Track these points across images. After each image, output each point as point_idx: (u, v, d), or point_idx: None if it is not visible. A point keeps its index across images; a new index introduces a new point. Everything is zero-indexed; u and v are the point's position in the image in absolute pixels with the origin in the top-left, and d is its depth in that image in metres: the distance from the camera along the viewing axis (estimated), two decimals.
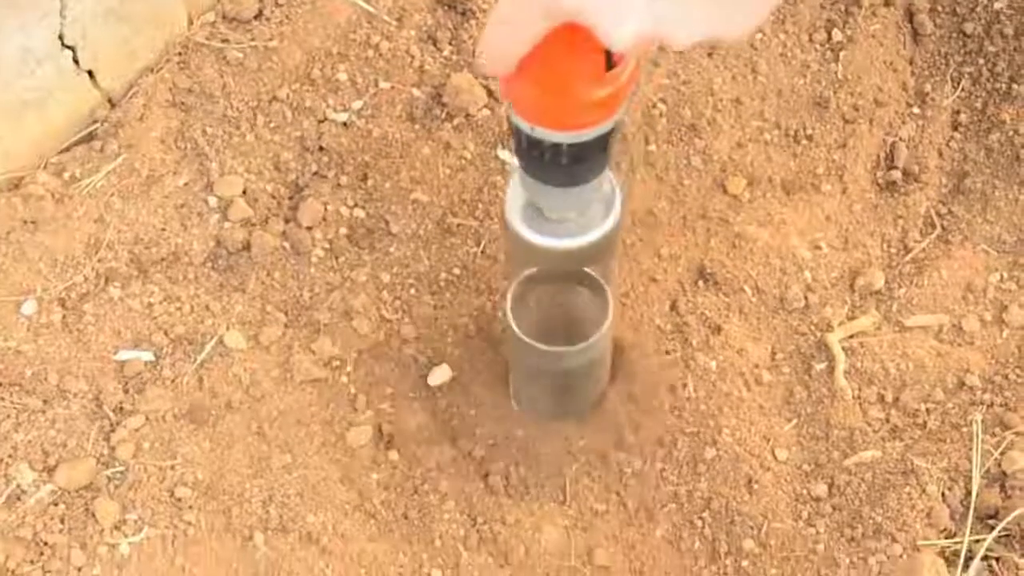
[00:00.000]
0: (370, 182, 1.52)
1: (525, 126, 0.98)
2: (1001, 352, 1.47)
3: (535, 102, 0.96)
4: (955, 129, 1.64)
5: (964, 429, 1.40)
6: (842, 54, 1.63)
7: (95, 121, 1.53)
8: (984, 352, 1.48)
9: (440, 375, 1.45)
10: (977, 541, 1.32)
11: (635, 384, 1.45)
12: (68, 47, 1.46)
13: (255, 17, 1.59)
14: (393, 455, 1.41)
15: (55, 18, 1.42)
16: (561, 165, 1.02)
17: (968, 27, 1.65)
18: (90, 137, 1.53)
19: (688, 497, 1.39)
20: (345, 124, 1.54)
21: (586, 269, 1.26)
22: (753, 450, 1.40)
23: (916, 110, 1.65)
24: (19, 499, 1.28)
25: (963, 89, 1.64)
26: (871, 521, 1.34)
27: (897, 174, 1.61)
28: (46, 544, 1.26)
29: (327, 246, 1.49)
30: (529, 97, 0.95)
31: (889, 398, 1.45)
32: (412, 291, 1.48)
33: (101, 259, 1.44)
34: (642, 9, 0.81)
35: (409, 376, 1.45)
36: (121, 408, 1.36)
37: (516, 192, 1.14)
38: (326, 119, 1.55)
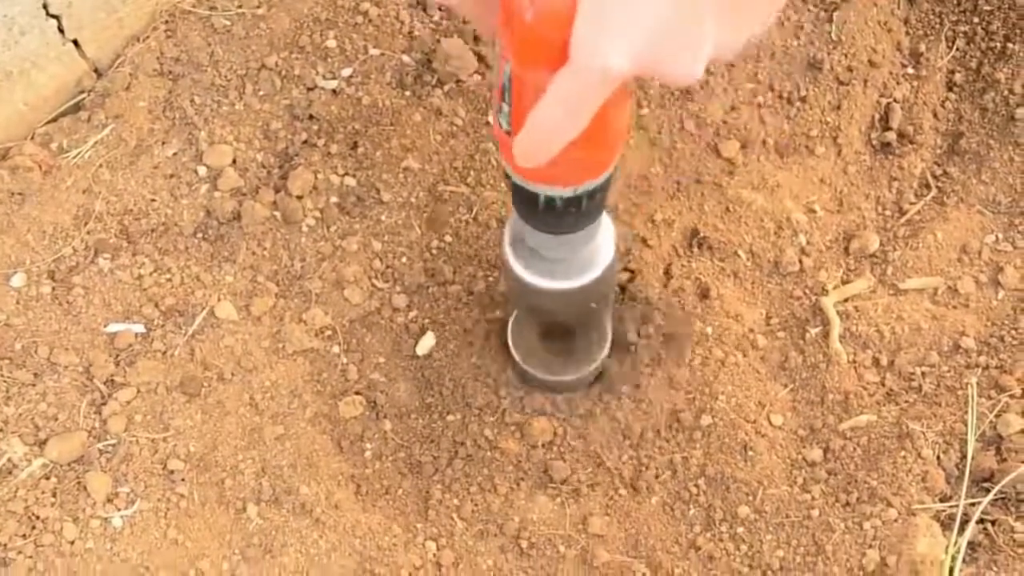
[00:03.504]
0: (360, 150, 1.51)
1: (565, 191, 0.97)
2: (996, 314, 1.47)
3: (581, 166, 0.94)
4: (950, 89, 1.62)
5: (959, 392, 1.40)
6: (836, 15, 1.61)
7: (81, 91, 1.52)
8: (979, 314, 1.47)
9: (427, 343, 1.44)
10: (973, 504, 1.32)
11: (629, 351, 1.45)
12: (53, 16, 1.45)
13: None
14: (386, 425, 1.41)
15: None
16: (579, 210, 1.01)
17: None
18: (77, 107, 1.52)
19: (683, 464, 1.38)
20: (335, 92, 1.53)
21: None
22: (748, 416, 1.40)
23: (911, 70, 1.63)
24: (10, 473, 1.28)
25: (958, 49, 1.63)
26: (866, 486, 1.34)
27: (892, 135, 1.59)
28: (38, 518, 1.26)
29: (318, 215, 1.48)
30: (575, 164, 0.93)
31: (884, 362, 1.44)
32: (404, 259, 1.47)
33: (90, 231, 1.43)
34: (710, 28, 0.79)
35: (401, 345, 1.44)
36: (112, 381, 1.35)
37: (513, 232, 1.14)
38: (315, 87, 1.54)
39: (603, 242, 1.15)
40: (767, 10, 0.87)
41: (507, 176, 1.01)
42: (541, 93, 0.81)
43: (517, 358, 1.41)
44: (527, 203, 1.01)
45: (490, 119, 1.53)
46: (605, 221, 1.13)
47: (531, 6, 0.78)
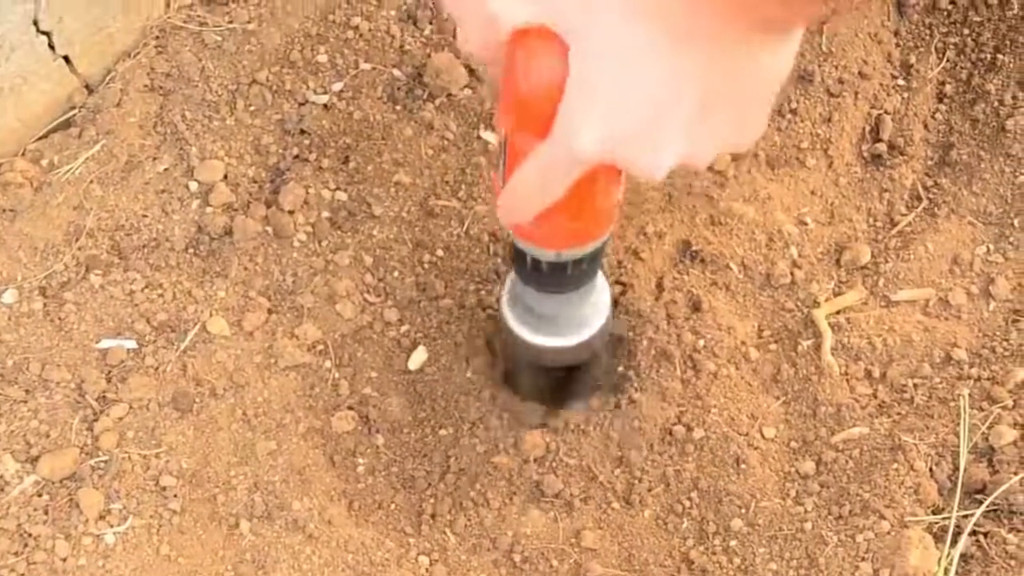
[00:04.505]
0: (352, 164, 1.51)
1: (549, 254, 1.01)
2: (988, 325, 1.47)
3: (564, 233, 0.98)
4: (940, 101, 1.63)
5: (951, 404, 1.40)
6: (826, 26, 1.62)
7: (72, 107, 1.52)
8: (971, 326, 1.47)
9: (418, 358, 1.44)
10: (965, 516, 1.32)
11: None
12: (43, 32, 1.45)
13: None
14: (378, 440, 1.41)
15: (29, 3, 1.40)
16: (570, 275, 1.06)
17: None
18: (68, 124, 1.52)
19: (676, 477, 1.38)
20: (326, 106, 1.53)
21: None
22: (741, 429, 1.40)
23: (901, 82, 1.64)
24: (2, 490, 1.28)
25: (948, 60, 1.63)
26: (859, 498, 1.34)
27: (883, 147, 1.60)
28: (30, 535, 1.25)
29: (309, 230, 1.48)
30: (557, 230, 0.96)
31: (876, 374, 1.44)
32: (395, 274, 1.48)
33: (81, 247, 1.43)
34: (678, 138, 0.83)
35: (393, 360, 1.44)
36: (104, 397, 1.35)
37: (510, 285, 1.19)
38: (307, 101, 1.54)
39: (595, 306, 1.18)
40: (744, 132, 0.90)
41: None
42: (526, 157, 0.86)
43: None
44: (517, 259, 1.06)
45: (482, 134, 1.54)
46: (600, 286, 1.17)
47: (526, 76, 0.82)
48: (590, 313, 1.22)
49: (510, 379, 1.44)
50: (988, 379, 1.41)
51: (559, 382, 1.39)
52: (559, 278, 1.07)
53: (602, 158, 0.83)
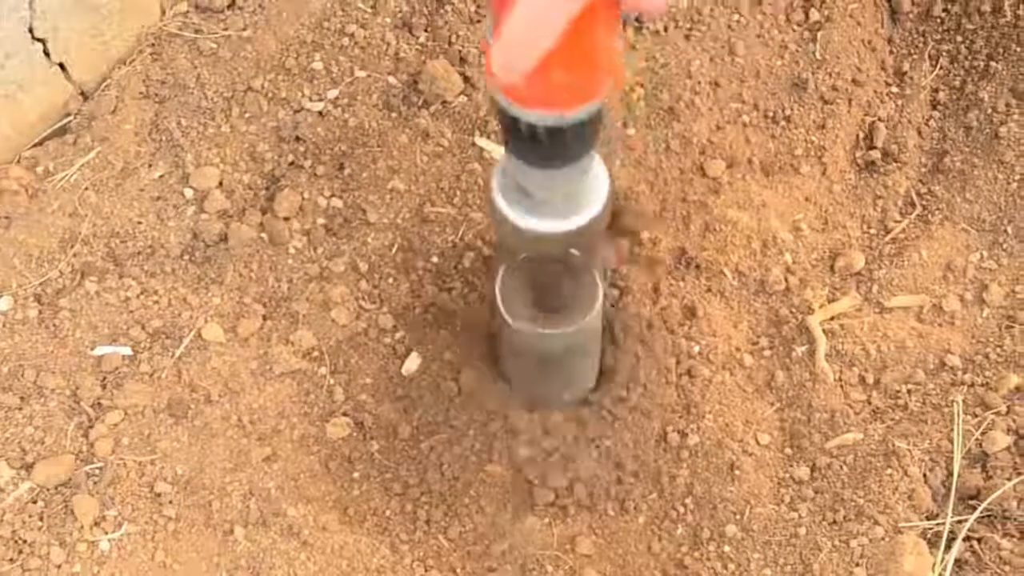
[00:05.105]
0: (347, 171, 1.51)
1: (548, 118, 0.95)
2: (981, 332, 1.47)
3: (560, 90, 0.92)
4: (934, 108, 1.63)
5: (945, 410, 1.40)
6: (820, 34, 1.62)
7: (68, 114, 1.52)
8: (964, 332, 1.47)
9: (412, 364, 1.44)
10: (959, 522, 1.32)
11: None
12: (39, 40, 1.45)
13: (228, 6, 1.58)
14: (373, 446, 1.41)
15: (24, 11, 1.41)
16: (569, 142, 0.99)
17: (945, 5, 1.64)
18: (63, 131, 1.52)
19: (670, 483, 1.38)
20: (321, 113, 1.53)
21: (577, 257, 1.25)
22: (735, 435, 1.40)
23: (895, 89, 1.64)
24: None
25: (941, 67, 1.64)
26: (853, 504, 1.34)
27: (876, 154, 1.60)
28: (25, 542, 1.25)
29: (304, 237, 1.48)
30: (555, 87, 0.91)
31: (870, 380, 1.44)
32: (390, 280, 1.48)
33: (76, 254, 1.43)
34: None
35: (388, 366, 1.44)
36: (99, 404, 1.35)
37: (502, 175, 1.11)
38: (302, 109, 1.54)
39: (592, 189, 1.11)
40: None
41: (495, 104, 1.00)
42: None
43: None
44: (513, 132, 0.99)
45: (476, 140, 1.54)
46: (598, 172, 1.11)
47: None
48: (586, 194, 1.12)
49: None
50: (982, 385, 1.42)
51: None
52: (557, 147, 1.01)
53: None
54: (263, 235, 1.47)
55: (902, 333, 1.47)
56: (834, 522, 1.34)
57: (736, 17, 1.62)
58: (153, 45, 1.56)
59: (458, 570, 1.35)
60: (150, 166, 1.49)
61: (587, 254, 1.29)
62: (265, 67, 1.55)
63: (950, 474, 1.36)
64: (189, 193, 1.48)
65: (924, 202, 1.58)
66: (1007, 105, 1.58)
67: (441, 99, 1.55)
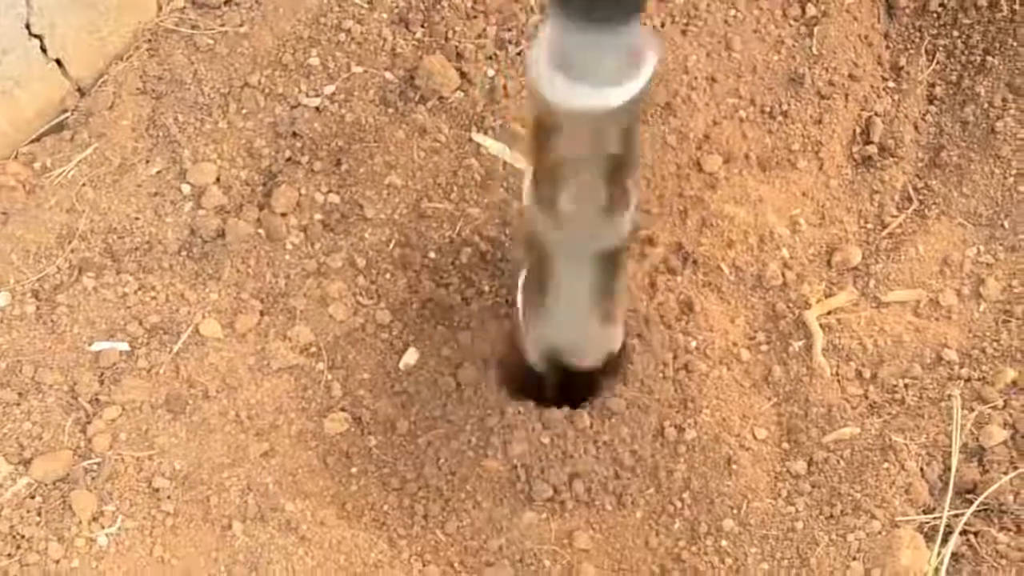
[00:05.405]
0: (344, 167, 1.51)
1: None
2: (978, 326, 1.47)
3: None
4: (930, 103, 1.63)
5: (942, 404, 1.41)
6: (816, 29, 1.62)
7: (65, 110, 1.52)
8: (961, 326, 1.48)
9: (410, 359, 1.45)
10: (956, 516, 1.32)
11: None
12: (35, 36, 1.45)
13: (225, 2, 1.58)
14: (370, 441, 1.41)
15: (21, 7, 1.41)
16: None
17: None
18: (60, 127, 1.52)
19: (668, 478, 1.38)
20: (318, 109, 1.53)
21: None
22: (732, 429, 1.40)
23: (891, 84, 1.64)
24: None
25: (938, 62, 1.64)
26: (850, 498, 1.34)
27: (873, 149, 1.60)
28: (23, 537, 1.26)
29: (302, 232, 1.48)
30: None
31: (867, 374, 1.45)
32: (387, 276, 1.48)
33: (74, 249, 1.43)
34: None
35: (386, 361, 1.45)
36: (97, 399, 1.35)
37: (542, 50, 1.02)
38: (299, 104, 1.54)
39: (639, 59, 1.02)
40: None
41: None
42: None
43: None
44: None
45: (473, 136, 1.54)
46: (645, 37, 1.02)
47: None
48: (629, 66, 1.01)
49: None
50: (979, 379, 1.42)
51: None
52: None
53: None
54: (260, 231, 1.47)
55: (899, 328, 1.47)
56: (831, 516, 1.34)
57: (733, 12, 1.62)
58: (150, 41, 1.56)
59: (455, 565, 1.35)
60: (147, 162, 1.49)
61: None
62: (262, 63, 1.55)
63: (947, 468, 1.36)
64: (186, 189, 1.48)
65: (921, 197, 1.58)
66: (1003, 100, 1.58)
67: (438, 95, 1.55)
